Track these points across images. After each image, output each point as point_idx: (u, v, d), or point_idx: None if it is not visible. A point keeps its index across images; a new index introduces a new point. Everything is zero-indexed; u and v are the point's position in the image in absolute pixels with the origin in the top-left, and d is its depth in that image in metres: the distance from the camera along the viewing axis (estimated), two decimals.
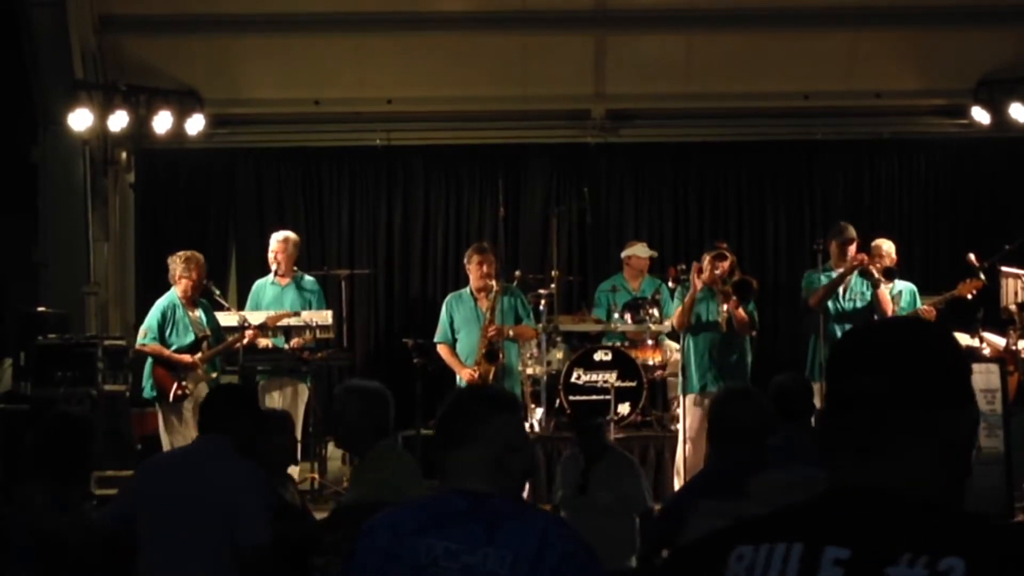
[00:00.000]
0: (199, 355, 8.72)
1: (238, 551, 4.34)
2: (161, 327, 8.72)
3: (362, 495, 4.37)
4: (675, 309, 9.00)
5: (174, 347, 8.71)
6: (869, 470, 1.70)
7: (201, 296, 8.98)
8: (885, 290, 8.99)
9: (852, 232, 8.91)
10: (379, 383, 4.82)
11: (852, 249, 8.85)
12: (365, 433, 4.61)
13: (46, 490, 4.64)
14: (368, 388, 4.80)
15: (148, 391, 8.73)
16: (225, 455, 4.51)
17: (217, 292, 9.14)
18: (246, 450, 4.63)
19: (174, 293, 8.82)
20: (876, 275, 8.79)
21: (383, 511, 2.93)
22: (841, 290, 8.88)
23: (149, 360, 8.77)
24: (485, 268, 8.98)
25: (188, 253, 8.89)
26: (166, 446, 8.52)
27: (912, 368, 1.72)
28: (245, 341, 8.85)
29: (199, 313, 8.90)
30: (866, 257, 8.81)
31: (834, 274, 8.88)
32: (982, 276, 9.03)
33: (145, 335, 8.76)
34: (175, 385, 8.57)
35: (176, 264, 8.79)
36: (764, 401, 4.65)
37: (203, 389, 8.57)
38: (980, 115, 10.94)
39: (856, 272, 8.85)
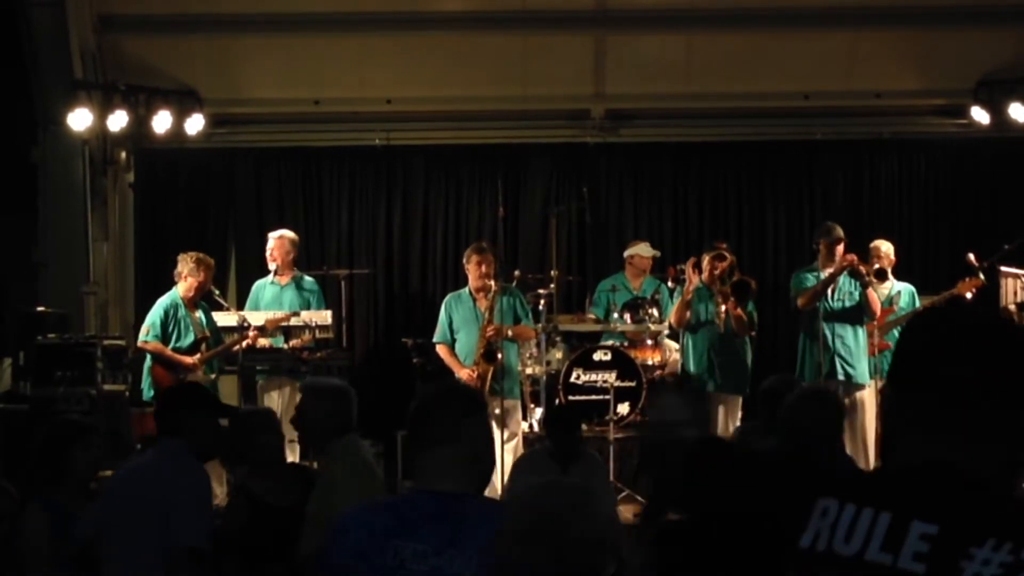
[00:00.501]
0: (198, 356, 8.75)
1: (170, 552, 4.33)
2: (164, 325, 8.78)
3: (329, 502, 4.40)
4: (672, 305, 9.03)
5: (174, 347, 8.77)
6: (948, 451, 1.73)
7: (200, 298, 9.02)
8: (881, 290, 8.99)
9: (839, 232, 8.89)
10: (342, 381, 4.83)
11: (840, 249, 8.83)
12: (326, 430, 4.61)
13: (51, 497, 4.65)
14: (329, 385, 4.81)
15: (147, 391, 8.78)
16: (172, 457, 4.50)
17: (216, 292, 9.15)
18: (207, 449, 4.64)
19: (176, 292, 8.88)
20: (868, 276, 8.76)
21: (354, 508, 2.93)
22: (829, 290, 8.86)
23: (148, 360, 8.80)
24: (484, 268, 8.97)
25: (200, 255, 8.99)
26: None
27: (1000, 358, 1.75)
28: (244, 344, 8.86)
29: (199, 314, 8.93)
30: (855, 257, 8.78)
31: (822, 274, 8.86)
32: (981, 275, 9.03)
33: (147, 332, 8.82)
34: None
35: (186, 263, 8.87)
36: (836, 404, 4.53)
37: None
38: (980, 115, 10.93)
39: (845, 272, 8.83)
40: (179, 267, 8.91)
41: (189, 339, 8.84)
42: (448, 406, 2.87)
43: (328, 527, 2.88)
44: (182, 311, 8.86)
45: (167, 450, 4.53)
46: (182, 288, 8.88)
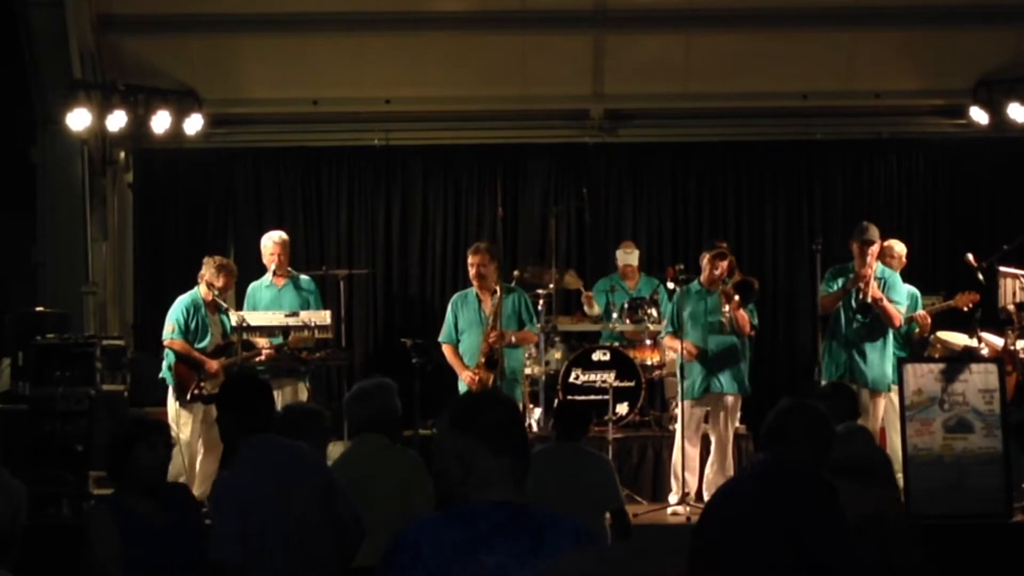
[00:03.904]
0: (220, 362, 8.97)
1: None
2: (186, 323, 8.99)
3: None
4: (668, 319, 8.99)
5: (193, 347, 9.00)
6: None
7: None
8: (904, 294, 8.93)
9: (872, 233, 8.70)
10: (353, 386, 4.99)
11: (872, 251, 8.69)
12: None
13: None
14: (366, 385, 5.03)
15: (169, 379, 9.01)
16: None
17: (216, 291, 9.17)
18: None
19: (197, 292, 9.12)
20: (862, 293, 8.67)
21: (419, 522, 2.78)
22: (855, 295, 8.76)
23: (169, 356, 8.95)
24: (476, 268, 8.97)
25: (224, 260, 9.27)
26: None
27: None
28: (264, 355, 9.09)
29: (220, 318, 9.16)
30: (869, 275, 8.67)
31: (853, 276, 8.80)
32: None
33: (172, 330, 9.04)
34: (193, 384, 8.87)
35: (208, 266, 9.12)
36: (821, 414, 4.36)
37: None
38: (979, 115, 10.91)
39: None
40: (203, 269, 9.12)
41: (207, 340, 9.02)
42: (513, 418, 2.81)
43: (393, 544, 2.72)
44: (202, 311, 9.06)
45: (271, 447, 4.56)
46: (202, 289, 9.09)
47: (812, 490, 4.04)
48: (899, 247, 9.33)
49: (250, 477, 4.36)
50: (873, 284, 8.65)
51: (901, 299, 8.84)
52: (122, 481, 4.60)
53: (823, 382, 8.63)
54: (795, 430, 4.16)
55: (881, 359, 8.77)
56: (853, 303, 8.77)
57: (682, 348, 8.68)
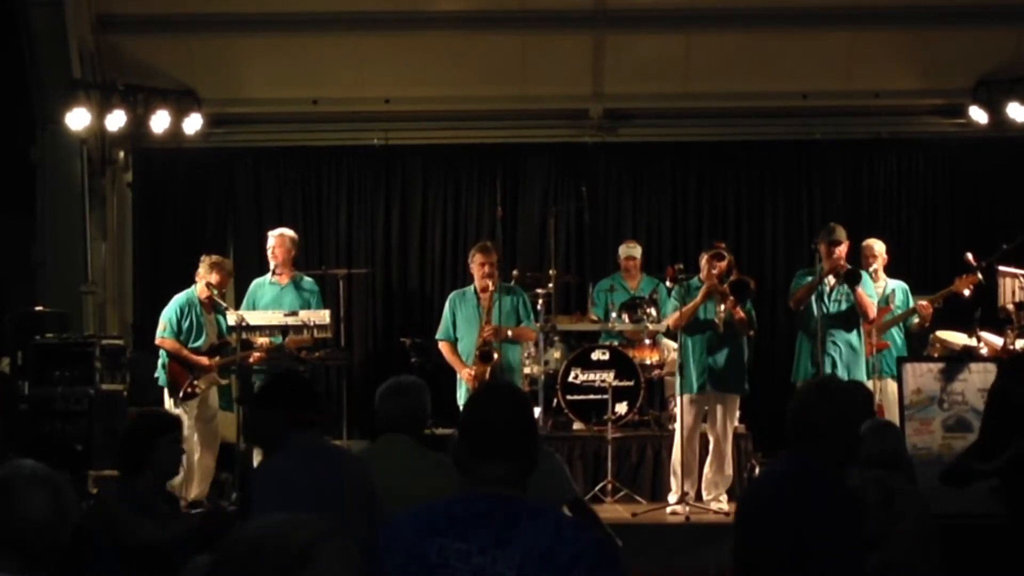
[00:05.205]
0: (216, 360, 8.97)
1: None
2: (179, 322, 8.99)
3: None
4: (672, 309, 8.97)
5: (188, 347, 8.99)
6: None
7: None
8: (875, 289, 8.97)
9: (840, 234, 8.78)
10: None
11: (839, 251, 8.75)
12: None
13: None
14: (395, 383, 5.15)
15: (163, 379, 9.02)
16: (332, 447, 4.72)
17: (216, 291, 9.18)
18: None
19: (193, 291, 9.13)
20: (840, 278, 8.69)
21: (412, 509, 2.88)
22: (827, 291, 8.82)
23: (163, 355, 8.95)
24: (487, 268, 8.97)
25: (216, 258, 9.28)
26: None
27: None
28: (257, 355, 9.06)
29: (216, 317, 9.16)
30: (840, 262, 8.71)
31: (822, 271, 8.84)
32: (980, 276, 9.03)
33: (164, 329, 9.04)
34: (187, 383, 8.87)
35: (204, 264, 9.15)
36: (847, 399, 3.98)
37: (213, 393, 8.98)
38: (978, 115, 10.93)
39: (832, 275, 8.79)
40: (199, 267, 9.15)
41: (202, 339, 9.03)
42: (509, 420, 2.83)
43: (381, 526, 2.88)
44: (198, 310, 9.07)
45: (318, 442, 4.57)
46: (199, 288, 9.12)
47: (823, 498, 3.71)
48: (879, 246, 9.36)
49: (294, 464, 4.37)
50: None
51: (872, 293, 8.91)
52: (137, 475, 4.61)
53: (798, 381, 8.70)
54: (818, 417, 3.75)
55: (856, 353, 8.80)
56: (828, 297, 8.78)
57: (682, 311, 8.65)
